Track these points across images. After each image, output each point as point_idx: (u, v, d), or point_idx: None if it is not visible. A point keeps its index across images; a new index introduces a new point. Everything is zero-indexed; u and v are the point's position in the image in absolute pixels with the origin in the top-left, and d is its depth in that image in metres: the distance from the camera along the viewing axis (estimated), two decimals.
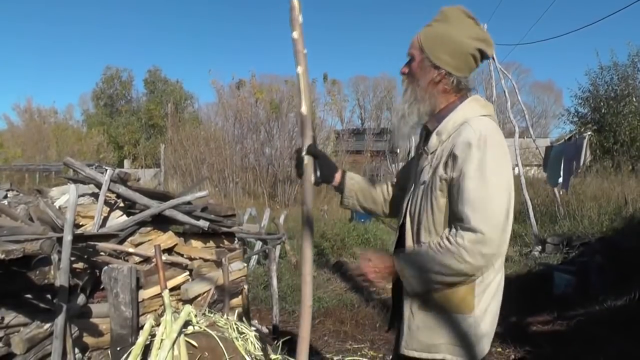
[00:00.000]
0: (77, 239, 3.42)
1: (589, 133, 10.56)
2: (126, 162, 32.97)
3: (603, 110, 20.90)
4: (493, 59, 12.01)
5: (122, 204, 4.66)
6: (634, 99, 20.52)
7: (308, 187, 2.13)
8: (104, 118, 39.07)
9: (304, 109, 2.18)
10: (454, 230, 1.89)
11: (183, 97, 39.09)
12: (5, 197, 5.07)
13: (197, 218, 4.35)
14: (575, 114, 22.89)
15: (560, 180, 10.23)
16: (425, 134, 2.15)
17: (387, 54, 75.99)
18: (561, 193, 11.16)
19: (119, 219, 4.47)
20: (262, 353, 3.85)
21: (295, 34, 2.24)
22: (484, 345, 2.04)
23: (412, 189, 2.16)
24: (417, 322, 2.02)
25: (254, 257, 7.97)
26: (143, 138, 35.70)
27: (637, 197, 10.69)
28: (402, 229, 2.17)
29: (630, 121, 20.09)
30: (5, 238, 2.79)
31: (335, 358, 5.05)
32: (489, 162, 1.85)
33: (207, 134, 23.65)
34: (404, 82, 2.13)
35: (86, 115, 41.89)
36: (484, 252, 1.82)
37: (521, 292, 6.84)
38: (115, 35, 73.86)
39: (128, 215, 4.51)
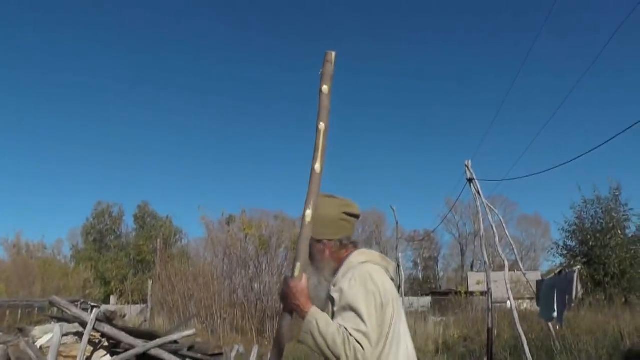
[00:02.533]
0: None
1: (579, 267, 10.59)
2: (112, 298, 32.36)
3: (591, 243, 21.13)
4: (479, 193, 12.32)
5: (106, 343, 4.55)
6: (619, 232, 20.82)
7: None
8: (93, 253, 38.89)
9: (317, 167, 2.24)
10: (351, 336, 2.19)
11: (172, 232, 39.20)
12: None
13: (184, 357, 4.24)
14: (564, 247, 23.11)
15: (555, 314, 10.09)
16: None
17: (376, 189, 77.61)
18: (557, 328, 10.97)
19: (102, 358, 4.34)
20: None
21: (325, 88, 2.28)
22: None
23: None
24: None
25: None
26: (131, 274, 35.32)
27: (632, 330, 10.53)
28: None
29: (618, 254, 20.25)
30: None
31: None
32: (348, 309, 2.26)
33: (196, 269, 23.40)
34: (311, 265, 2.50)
35: (75, 250, 41.71)
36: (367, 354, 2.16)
37: None
38: (106, 172, 75.42)
39: (112, 355, 4.39)
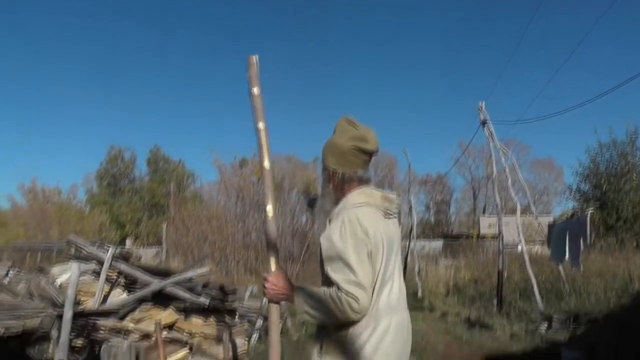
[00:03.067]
0: (77, 315, 3.41)
1: (591, 210, 10.58)
2: (128, 241, 32.90)
3: (604, 187, 21.04)
4: (492, 136, 12.23)
5: (123, 282, 4.66)
6: (634, 176, 20.69)
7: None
8: (107, 197, 39.36)
9: (266, 164, 2.42)
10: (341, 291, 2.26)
11: (185, 175, 39.48)
12: (7, 274, 5.07)
13: (199, 294, 4.34)
14: (577, 191, 23.05)
15: (567, 257, 10.15)
16: None
17: (388, 132, 77.32)
18: (572, 269, 11.04)
19: (120, 296, 4.46)
20: None
21: (255, 90, 2.40)
22: None
23: None
24: None
25: (255, 334, 7.84)
26: (145, 217, 35.80)
27: None
28: None
29: (632, 198, 20.18)
30: (6, 314, 2.78)
31: None
32: (336, 246, 2.31)
33: (209, 212, 23.66)
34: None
35: (89, 194, 42.21)
36: (353, 306, 2.24)
37: None
38: (118, 115, 75.34)
39: (129, 293, 4.50)
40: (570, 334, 8.13)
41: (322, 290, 2.32)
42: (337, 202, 2.49)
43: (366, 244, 2.32)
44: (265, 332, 8.24)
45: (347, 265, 2.26)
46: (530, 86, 70.66)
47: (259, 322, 8.03)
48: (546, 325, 9.15)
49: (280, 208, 23.32)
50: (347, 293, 2.22)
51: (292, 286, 2.42)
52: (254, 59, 2.42)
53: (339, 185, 2.50)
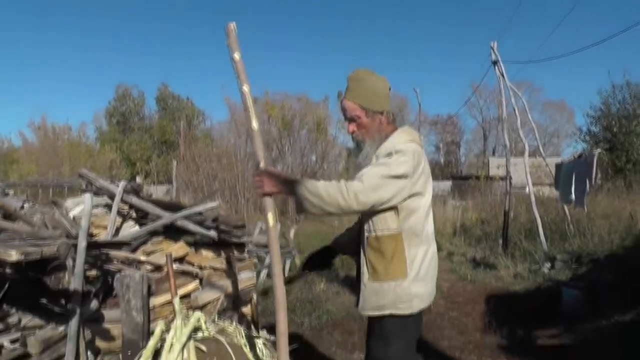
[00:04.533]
0: (91, 246, 3.53)
1: (599, 151, 10.57)
2: (138, 179, 33.11)
3: (615, 129, 20.91)
4: (503, 76, 12.11)
5: (134, 215, 4.77)
6: None
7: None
8: (117, 135, 39.53)
9: (254, 126, 2.57)
10: (350, 181, 2.53)
11: (195, 113, 39.45)
12: (22, 207, 5.20)
13: (208, 228, 4.45)
14: (588, 132, 22.92)
15: (572, 197, 10.23)
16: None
17: (399, 72, 76.31)
18: (576, 209, 11.12)
19: (131, 229, 4.58)
20: (271, 357, 3.92)
21: (236, 55, 2.52)
22: (417, 303, 2.72)
23: None
24: (368, 290, 2.73)
25: (264, 271, 8.04)
26: (155, 155, 36.01)
27: None
28: None
29: None
30: (24, 242, 2.90)
31: None
32: (391, 161, 2.57)
33: (220, 150, 23.83)
34: (358, 136, 2.81)
35: (99, 132, 42.37)
36: (360, 198, 2.47)
37: (530, 307, 6.89)
38: (126, 53, 74.75)
39: (140, 226, 4.61)
40: (572, 274, 8.29)
41: (328, 182, 2.55)
42: (381, 141, 2.76)
43: (408, 173, 2.60)
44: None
45: (381, 169, 2.54)
46: (543, 26, 69.08)
47: (268, 259, 8.22)
48: (549, 265, 9.31)
49: (290, 146, 23.48)
50: (362, 182, 2.49)
51: (291, 179, 2.63)
52: (232, 26, 2.52)
53: (385, 125, 2.80)
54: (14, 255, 2.51)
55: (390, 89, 2.86)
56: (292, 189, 2.54)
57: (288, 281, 3.91)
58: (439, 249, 11.68)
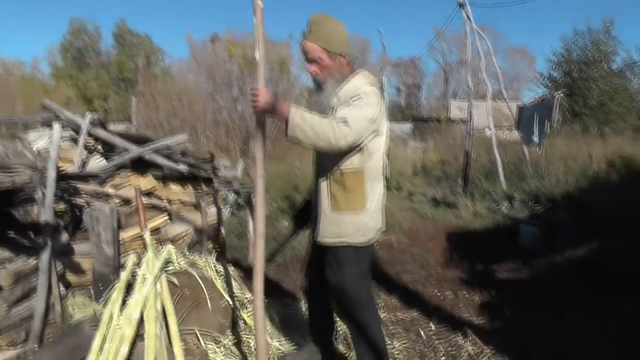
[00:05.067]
0: (60, 178, 3.48)
1: (560, 94, 10.76)
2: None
3: (575, 75, 21.27)
4: (469, 19, 12.09)
5: (100, 149, 4.70)
6: (605, 64, 20.87)
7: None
8: (73, 71, 38.26)
9: (258, 56, 2.62)
10: (339, 122, 2.68)
11: (154, 50, 38.42)
12: None
13: (177, 162, 4.42)
14: (548, 77, 23.22)
15: (535, 139, 10.45)
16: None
17: (362, 13, 75.31)
18: (538, 152, 11.37)
19: (98, 162, 4.52)
20: (239, 292, 3.99)
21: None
22: (373, 234, 2.99)
23: None
24: (328, 219, 2.93)
25: (228, 209, 8.07)
26: (113, 92, 35.11)
27: (602, 157, 10.98)
28: None
29: (600, 86, 20.45)
30: None
31: None
32: (363, 104, 2.77)
33: (180, 88, 23.36)
34: (319, 77, 2.92)
35: (54, 68, 40.92)
36: (347, 139, 2.68)
37: (489, 244, 7.12)
38: None
39: (107, 160, 4.55)
40: (530, 213, 8.55)
41: (320, 117, 2.70)
42: (341, 82, 2.92)
43: (376, 116, 2.82)
44: (236, 207, 8.49)
45: (360, 112, 2.73)
46: None
47: (231, 197, 8.24)
48: (508, 204, 9.56)
49: (251, 85, 23.10)
50: (349, 126, 2.65)
51: (286, 104, 2.65)
52: None
53: (345, 66, 2.94)
54: None
55: (348, 36, 2.99)
56: (288, 113, 2.61)
57: (280, 246, 4.02)
58: (400, 189, 11.86)
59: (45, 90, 32.88)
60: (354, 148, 2.81)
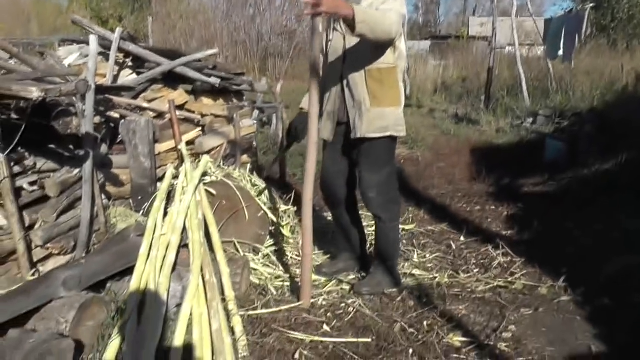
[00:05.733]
0: (96, 90, 3.49)
1: (590, 5, 10.43)
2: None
3: None
4: None
5: (130, 64, 4.69)
6: None
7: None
8: None
9: None
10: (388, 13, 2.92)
11: None
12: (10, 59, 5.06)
13: (208, 75, 4.42)
14: None
15: (560, 53, 10.22)
16: None
17: None
18: (563, 65, 11.14)
19: (129, 77, 4.52)
20: (274, 203, 4.08)
21: None
22: (404, 127, 3.25)
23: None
24: (372, 114, 3.10)
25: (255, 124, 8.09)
26: (128, 12, 34.46)
27: (630, 70, 10.74)
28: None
29: None
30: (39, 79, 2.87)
31: None
32: (398, 3, 3.01)
33: (196, 7, 22.93)
34: None
35: None
36: (397, 28, 2.94)
37: (514, 158, 7.12)
38: None
39: (138, 74, 4.55)
40: (555, 128, 8.48)
41: (377, 11, 2.92)
42: None
43: (405, 14, 3.08)
44: (261, 124, 8.52)
45: (397, 7, 2.98)
46: None
47: (255, 114, 8.26)
48: (532, 120, 9.47)
49: (269, 4, 22.63)
50: (397, 16, 2.91)
51: (346, 3, 2.73)
52: None
53: None
54: (34, 92, 2.50)
55: None
56: (353, 11, 2.68)
57: (285, 148, 4.06)
58: (421, 106, 11.79)
59: (59, 11, 32.43)
60: (388, 45, 3.05)
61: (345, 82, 3.17)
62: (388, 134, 3.15)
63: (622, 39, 18.03)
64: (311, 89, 2.81)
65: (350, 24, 2.71)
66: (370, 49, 3.04)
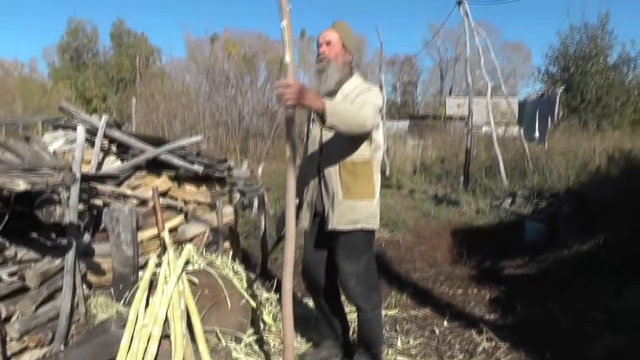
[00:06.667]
0: (81, 179, 3.52)
1: (561, 89, 10.86)
2: (95, 117, 32.28)
3: (572, 70, 21.41)
4: (467, 15, 12.18)
5: (114, 150, 4.74)
6: (601, 59, 21.00)
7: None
8: (71, 71, 38.12)
9: (287, 59, 2.66)
10: (362, 106, 2.97)
11: (151, 50, 38.32)
12: None
13: (192, 162, 4.47)
14: (546, 72, 23.38)
15: (537, 134, 10.54)
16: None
17: (357, 12, 75.31)
18: (539, 147, 11.46)
19: (113, 164, 4.56)
20: (257, 291, 4.05)
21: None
22: (378, 221, 3.27)
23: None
24: (344, 207, 3.13)
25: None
26: (112, 92, 35.02)
27: (602, 152, 11.07)
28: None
29: (597, 80, 20.59)
30: (22, 172, 2.88)
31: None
32: (372, 95, 3.10)
33: (178, 88, 23.36)
34: (325, 57, 3.18)
35: (52, 68, 40.78)
36: (372, 121, 2.95)
37: (494, 240, 7.20)
38: None
39: (121, 161, 4.59)
40: (533, 208, 8.63)
41: (348, 104, 3.03)
42: (342, 75, 3.21)
43: (381, 107, 3.15)
44: (241, 207, 8.54)
45: (373, 100, 3.04)
46: None
47: (237, 197, 8.29)
48: (510, 201, 9.65)
49: (250, 85, 23.16)
50: (370, 110, 2.95)
51: (316, 95, 2.80)
52: None
53: (348, 63, 3.25)
54: (21, 185, 2.52)
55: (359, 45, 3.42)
56: (321, 102, 2.74)
57: (276, 243, 4.14)
58: (401, 187, 11.98)
59: (44, 90, 32.84)
60: (364, 137, 3.09)
61: (321, 173, 3.22)
62: (359, 226, 3.16)
63: (592, 119, 18.69)
64: (288, 178, 2.81)
65: (322, 116, 2.77)
66: (346, 142, 3.08)
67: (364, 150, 3.14)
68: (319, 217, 3.31)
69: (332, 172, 3.16)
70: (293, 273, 2.93)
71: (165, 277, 3.47)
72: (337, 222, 3.15)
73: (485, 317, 4.67)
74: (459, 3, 12.38)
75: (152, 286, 3.52)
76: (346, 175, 3.13)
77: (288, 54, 2.65)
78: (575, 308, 4.61)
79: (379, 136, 3.20)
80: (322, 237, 3.34)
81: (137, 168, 4.43)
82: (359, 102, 3.02)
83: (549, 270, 5.85)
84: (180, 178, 4.69)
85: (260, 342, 3.77)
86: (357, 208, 3.14)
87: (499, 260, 6.31)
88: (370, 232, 3.27)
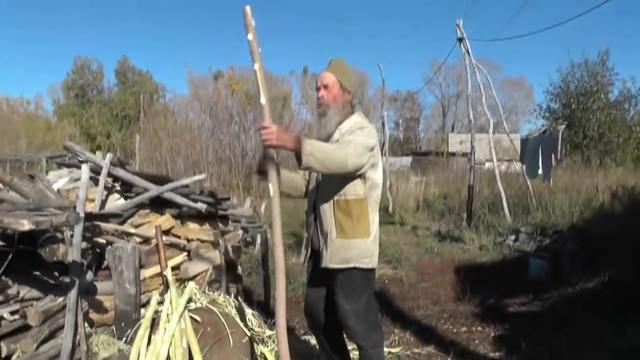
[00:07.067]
0: (85, 217, 3.54)
1: (563, 126, 10.95)
2: (99, 154, 32.50)
3: (573, 106, 21.58)
4: (468, 53, 12.33)
5: (118, 188, 4.77)
6: (602, 96, 21.17)
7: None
8: (75, 109, 38.55)
9: (263, 100, 2.73)
10: (346, 146, 2.94)
11: (155, 87, 38.78)
12: None
13: (195, 201, 4.49)
14: (547, 109, 23.55)
15: (540, 171, 10.57)
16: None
17: (360, 49, 76.35)
18: (544, 184, 11.48)
19: (117, 202, 4.59)
20: (259, 329, 4.03)
21: (250, 36, 2.68)
22: (375, 259, 3.24)
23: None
24: (336, 246, 3.12)
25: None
26: (116, 129, 35.32)
27: (605, 188, 11.08)
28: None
29: (599, 117, 20.72)
30: (27, 212, 2.91)
31: None
32: (364, 134, 3.06)
33: (182, 125, 23.56)
34: (325, 101, 3.21)
35: (57, 105, 41.26)
36: (354, 161, 2.92)
37: (498, 277, 7.15)
38: (83, 24, 72.71)
39: (125, 199, 4.62)
40: (537, 245, 8.60)
41: (331, 144, 3.02)
42: (342, 115, 3.23)
43: (374, 146, 3.12)
44: (244, 244, 8.54)
45: (362, 140, 3.00)
46: (508, 6, 69.76)
47: (240, 234, 8.30)
48: (514, 237, 9.62)
49: (253, 121, 23.33)
50: (355, 149, 2.91)
51: (296, 136, 2.83)
52: (248, 9, 2.64)
53: (348, 103, 3.27)
54: (25, 225, 2.53)
55: (358, 82, 3.46)
56: (300, 143, 2.74)
57: None
58: (404, 224, 11.95)
59: (48, 127, 33.18)
60: (357, 176, 3.07)
61: (317, 210, 3.22)
62: (351, 265, 3.13)
63: (594, 156, 18.75)
64: (274, 217, 2.80)
65: (297, 157, 2.77)
66: (339, 180, 3.08)
67: (358, 188, 3.12)
68: (317, 254, 3.30)
69: (327, 210, 3.16)
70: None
71: (167, 315, 3.46)
72: (330, 260, 3.15)
73: (490, 355, 4.62)
74: (460, 40, 12.53)
75: (154, 324, 3.51)
76: (340, 214, 3.12)
77: (263, 95, 2.71)
78: (581, 346, 4.56)
79: (375, 174, 3.18)
80: (321, 275, 3.31)
81: (140, 206, 4.45)
82: (344, 141, 3.02)
83: (553, 307, 5.80)
84: (183, 216, 4.71)
85: None
86: (350, 246, 3.12)
87: (503, 298, 6.27)
88: (369, 271, 3.23)
